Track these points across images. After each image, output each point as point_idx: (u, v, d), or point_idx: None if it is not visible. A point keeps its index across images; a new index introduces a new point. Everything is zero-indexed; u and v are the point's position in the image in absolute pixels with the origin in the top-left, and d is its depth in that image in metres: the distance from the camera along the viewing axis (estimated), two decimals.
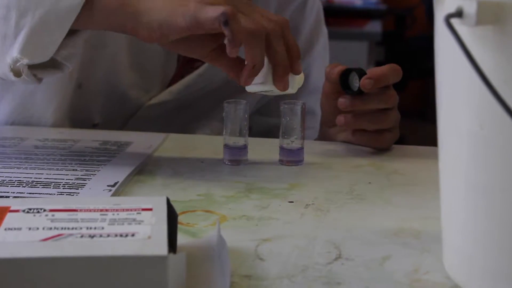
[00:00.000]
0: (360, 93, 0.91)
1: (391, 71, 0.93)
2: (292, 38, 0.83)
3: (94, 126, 1.11)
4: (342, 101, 0.92)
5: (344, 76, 0.94)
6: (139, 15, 0.79)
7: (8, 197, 0.76)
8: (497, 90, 0.47)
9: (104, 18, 0.81)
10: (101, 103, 1.11)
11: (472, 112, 0.52)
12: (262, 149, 0.94)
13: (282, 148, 0.89)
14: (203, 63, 1.11)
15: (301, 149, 0.89)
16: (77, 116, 1.10)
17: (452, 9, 0.50)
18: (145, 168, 0.87)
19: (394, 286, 0.58)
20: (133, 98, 1.12)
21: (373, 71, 0.92)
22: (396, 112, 0.97)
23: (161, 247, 0.53)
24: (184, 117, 1.15)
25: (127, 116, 1.13)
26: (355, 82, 0.92)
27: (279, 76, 0.82)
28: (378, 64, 3.48)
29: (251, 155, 0.90)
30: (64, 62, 0.85)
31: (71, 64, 0.86)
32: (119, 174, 0.83)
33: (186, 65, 1.13)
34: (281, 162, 0.89)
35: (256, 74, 0.81)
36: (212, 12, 0.76)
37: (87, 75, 1.08)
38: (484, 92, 0.48)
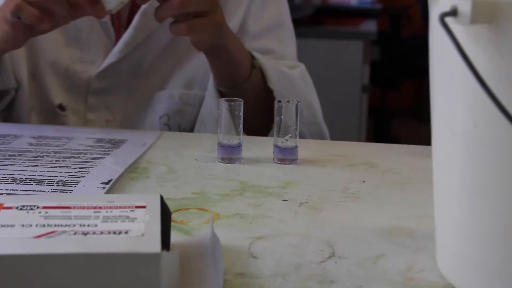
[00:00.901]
0: None
1: None
2: None
3: (62, 109, 1.13)
4: None
5: None
6: None
7: (2, 194, 0.76)
8: (491, 88, 0.47)
9: None
10: (55, 83, 1.13)
11: (466, 110, 0.52)
12: (257, 147, 0.94)
13: (276, 147, 0.89)
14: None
15: (295, 148, 0.89)
16: (40, 103, 1.13)
17: (446, 8, 0.50)
18: (139, 165, 0.87)
19: (387, 284, 0.58)
20: (80, 72, 1.15)
21: None
22: None
23: (154, 245, 0.53)
24: (144, 84, 1.16)
25: (85, 92, 1.15)
26: None
27: None
28: (374, 64, 3.48)
29: (245, 153, 0.90)
30: None
31: None
32: (113, 171, 0.83)
33: (124, 31, 1.14)
34: (275, 160, 0.89)
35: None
36: (8, 11, 0.92)
37: (35, 62, 1.13)
38: (478, 91, 0.48)
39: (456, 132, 0.54)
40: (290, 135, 0.88)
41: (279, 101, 0.88)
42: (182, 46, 1.16)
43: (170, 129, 1.16)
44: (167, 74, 1.17)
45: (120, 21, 1.15)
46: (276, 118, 0.88)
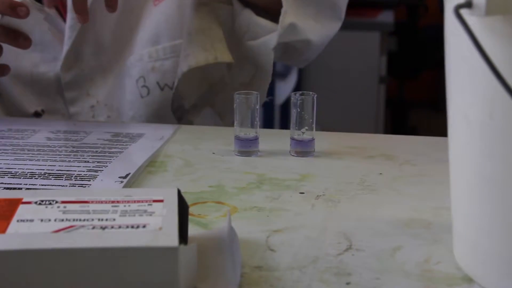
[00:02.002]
0: None
1: None
2: None
3: (38, 115, 1.13)
4: None
5: None
6: None
7: (21, 188, 0.77)
8: (507, 80, 0.47)
9: None
10: (23, 93, 1.13)
11: (482, 102, 0.52)
12: (273, 140, 0.94)
13: (293, 139, 0.89)
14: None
15: (312, 140, 0.89)
16: (13, 112, 1.13)
17: (461, 0, 0.50)
18: (157, 159, 0.88)
19: (404, 276, 0.58)
20: (45, 73, 1.14)
21: None
22: None
23: (172, 239, 0.53)
24: (113, 57, 1.14)
25: (58, 89, 1.14)
26: None
27: None
28: (391, 55, 3.47)
29: (262, 146, 0.90)
30: None
31: None
32: (130, 165, 0.83)
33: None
34: (292, 153, 0.89)
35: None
36: None
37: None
38: (494, 82, 0.48)
39: (472, 124, 0.54)
40: (306, 127, 0.88)
41: (295, 94, 0.88)
42: (133, 9, 1.13)
43: (149, 91, 1.13)
44: (131, 39, 1.15)
45: (66, 10, 1.12)
46: (293, 111, 0.88)
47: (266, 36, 1.09)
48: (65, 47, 1.12)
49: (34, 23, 1.08)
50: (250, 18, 1.11)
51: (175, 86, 1.11)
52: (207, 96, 1.17)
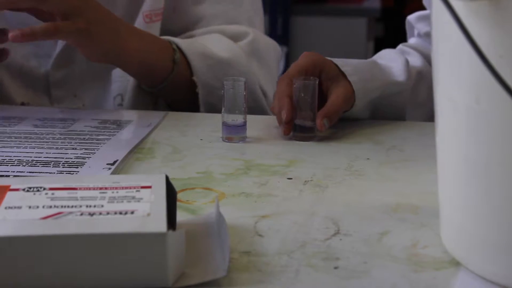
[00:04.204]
0: None
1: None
2: None
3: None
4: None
5: None
6: None
7: (8, 176, 0.76)
8: (493, 64, 0.47)
9: None
10: (12, 83, 1.12)
11: (468, 87, 0.53)
12: (261, 126, 0.94)
13: (295, 124, 0.89)
14: None
15: (314, 126, 0.89)
16: (1, 100, 1.12)
17: None
18: (145, 146, 0.87)
19: (392, 261, 0.58)
20: (35, 67, 1.13)
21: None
22: None
23: (160, 224, 0.53)
24: (104, 64, 1.11)
25: (45, 85, 1.13)
26: None
27: None
28: (378, 41, 3.47)
29: (250, 132, 0.90)
30: None
31: None
32: (118, 152, 0.83)
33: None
34: (295, 137, 0.89)
35: None
36: None
37: None
38: (480, 67, 0.48)
39: (458, 109, 0.54)
40: (308, 112, 0.88)
41: (297, 80, 0.88)
42: (124, 20, 1.11)
43: None
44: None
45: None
46: (296, 94, 0.88)
47: None
48: (58, 48, 1.11)
49: (29, 17, 1.07)
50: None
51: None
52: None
